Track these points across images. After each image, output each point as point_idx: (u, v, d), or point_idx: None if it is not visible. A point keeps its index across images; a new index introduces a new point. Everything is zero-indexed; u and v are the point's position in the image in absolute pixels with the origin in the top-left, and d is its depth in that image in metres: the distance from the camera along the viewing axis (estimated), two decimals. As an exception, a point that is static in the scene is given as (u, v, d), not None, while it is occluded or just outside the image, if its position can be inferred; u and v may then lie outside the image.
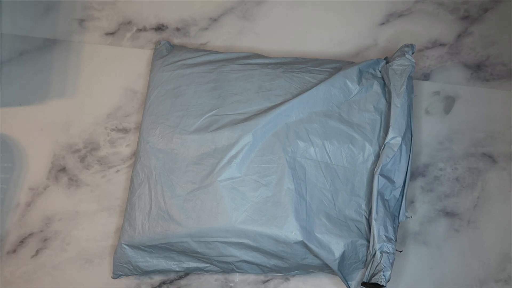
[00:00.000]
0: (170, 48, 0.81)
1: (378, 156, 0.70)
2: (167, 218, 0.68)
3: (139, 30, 0.86)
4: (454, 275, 0.75)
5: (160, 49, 0.80)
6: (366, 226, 0.69)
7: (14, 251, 0.77)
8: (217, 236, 0.67)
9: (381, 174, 0.68)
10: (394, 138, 0.68)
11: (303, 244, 0.66)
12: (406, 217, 0.71)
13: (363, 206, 0.69)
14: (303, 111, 0.71)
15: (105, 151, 0.80)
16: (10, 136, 0.81)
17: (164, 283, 0.75)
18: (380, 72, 0.75)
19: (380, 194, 0.68)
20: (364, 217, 0.69)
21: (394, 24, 0.85)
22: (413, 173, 0.78)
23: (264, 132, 0.69)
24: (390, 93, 0.71)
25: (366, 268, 0.67)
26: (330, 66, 0.76)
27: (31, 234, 0.77)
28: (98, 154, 0.80)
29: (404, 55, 0.72)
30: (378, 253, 0.65)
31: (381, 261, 0.65)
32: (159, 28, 0.86)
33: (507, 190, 0.78)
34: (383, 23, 0.86)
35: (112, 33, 0.86)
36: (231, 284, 0.75)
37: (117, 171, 0.80)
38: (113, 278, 0.72)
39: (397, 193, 0.70)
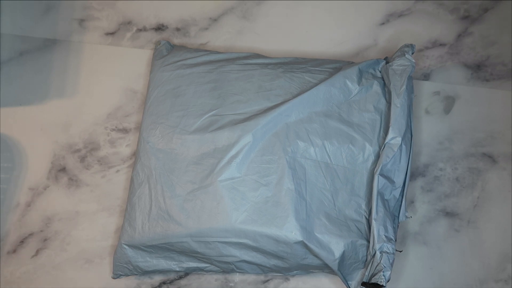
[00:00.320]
0: (170, 48, 0.81)
1: (378, 156, 0.70)
2: (167, 218, 0.68)
3: (139, 30, 0.86)
4: (454, 275, 0.75)
5: (160, 49, 0.80)
6: (366, 226, 0.69)
7: (14, 251, 0.77)
8: (217, 236, 0.67)
9: (381, 174, 0.68)
10: (394, 138, 0.68)
11: (303, 244, 0.66)
12: (406, 217, 0.71)
13: (363, 206, 0.69)
14: (303, 111, 0.71)
15: (105, 151, 0.80)
16: (10, 136, 0.81)
17: (164, 283, 0.75)
18: (380, 72, 0.75)
19: (380, 194, 0.68)
20: (364, 217, 0.69)
21: (394, 24, 0.85)
22: (413, 173, 0.78)
23: (264, 132, 0.69)
24: (390, 93, 0.71)
25: (366, 268, 0.67)
26: (330, 66, 0.76)
27: (31, 234, 0.77)
28: (98, 154, 0.80)
29: (404, 55, 0.72)
30: (378, 253, 0.65)
31: (381, 261, 0.65)
32: (159, 28, 0.86)
33: (507, 190, 0.78)
34: (383, 23, 0.86)
35: (112, 33, 0.86)
36: (231, 284, 0.75)
37: (117, 171, 0.80)
38: (113, 278, 0.72)
39: (397, 193, 0.70)
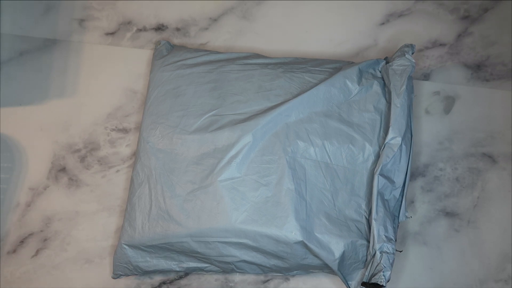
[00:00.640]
0: (170, 48, 0.81)
1: (378, 156, 0.70)
2: (167, 218, 0.68)
3: (139, 30, 0.86)
4: (454, 275, 0.75)
5: (160, 49, 0.80)
6: (366, 226, 0.69)
7: (14, 251, 0.77)
8: (217, 236, 0.67)
9: (381, 174, 0.68)
10: (394, 138, 0.68)
11: (303, 244, 0.66)
12: (406, 217, 0.71)
13: (363, 206, 0.69)
14: (303, 111, 0.71)
15: (105, 151, 0.80)
16: (10, 136, 0.81)
17: (164, 283, 0.75)
18: (380, 72, 0.75)
19: (380, 194, 0.68)
20: (364, 217, 0.69)
21: (394, 24, 0.85)
22: (413, 173, 0.78)
23: (264, 132, 0.69)
24: (390, 93, 0.71)
25: (366, 268, 0.67)
26: (330, 66, 0.76)
27: (31, 234, 0.77)
28: (98, 154, 0.80)
29: (404, 55, 0.72)
30: (378, 253, 0.65)
31: (381, 261, 0.65)
32: (159, 28, 0.86)
33: (507, 190, 0.78)
34: (383, 23, 0.86)
35: (112, 33, 0.86)
36: (231, 284, 0.75)
37: (117, 171, 0.80)
38: (113, 278, 0.72)
39: (397, 193, 0.70)
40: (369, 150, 0.70)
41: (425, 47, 0.84)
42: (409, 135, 0.71)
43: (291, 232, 0.65)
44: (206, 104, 0.73)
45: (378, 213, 0.67)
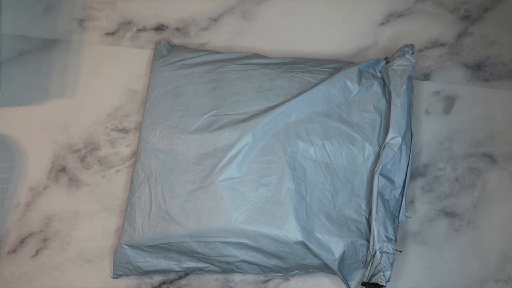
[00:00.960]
0: (170, 48, 0.80)
1: (378, 156, 0.70)
2: (167, 218, 0.68)
3: (139, 30, 0.86)
4: (454, 275, 0.75)
5: (160, 49, 0.80)
6: (366, 226, 0.69)
7: (14, 251, 0.77)
8: (217, 236, 0.67)
9: (381, 174, 0.68)
10: (394, 138, 0.68)
11: (303, 244, 0.66)
12: (406, 217, 0.71)
13: (363, 206, 0.69)
14: (303, 111, 0.71)
15: (105, 151, 0.80)
16: (10, 136, 0.81)
17: (164, 283, 0.75)
18: (380, 72, 0.75)
19: (380, 194, 0.68)
20: (364, 217, 0.69)
21: (394, 24, 0.85)
22: (413, 173, 0.78)
23: (264, 132, 0.69)
24: (390, 93, 0.71)
25: (366, 268, 0.67)
26: (330, 66, 0.76)
27: (31, 234, 0.77)
28: (98, 154, 0.80)
29: (404, 55, 0.72)
30: (378, 253, 0.65)
31: (381, 261, 0.65)
32: (159, 28, 0.86)
33: (507, 190, 0.78)
34: (383, 23, 0.86)
35: (112, 33, 0.86)
36: (231, 284, 0.75)
37: (117, 171, 0.80)
38: (113, 278, 0.72)
39: (397, 193, 0.70)
40: (369, 150, 0.70)
41: (425, 47, 0.84)
42: (409, 135, 0.71)
43: (291, 232, 0.65)
44: (206, 104, 0.73)
45: (378, 213, 0.67)
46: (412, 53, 0.73)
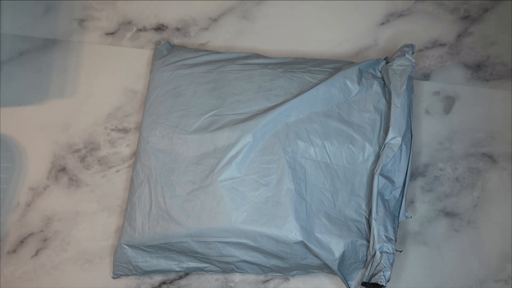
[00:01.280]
0: (170, 48, 0.81)
1: (378, 156, 0.70)
2: (167, 218, 0.68)
3: (139, 30, 0.86)
4: (454, 275, 0.75)
5: (160, 49, 0.80)
6: (366, 226, 0.69)
7: (14, 251, 0.77)
8: (217, 236, 0.67)
9: (381, 174, 0.68)
10: (394, 138, 0.68)
11: (303, 244, 0.66)
12: (406, 217, 0.71)
13: (363, 206, 0.69)
14: (303, 111, 0.71)
15: (105, 151, 0.80)
16: (10, 136, 0.81)
17: (164, 283, 0.75)
18: (380, 72, 0.75)
19: (380, 194, 0.68)
20: (364, 217, 0.69)
21: (394, 24, 0.85)
22: (413, 173, 0.78)
23: (264, 132, 0.69)
24: (390, 93, 0.71)
25: (366, 268, 0.67)
26: (330, 66, 0.76)
27: (31, 234, 0.77)
28: (98, 154, 0.80)
29: (404, 55, 0.72)
30: (378, 253, 0.65)
31: (381, 261, 0.65)
32: (159, 28, 0.86)
33: (507, 190, 0.78)
34: (383, 23, 0.86)
35: (112, 33, 0.86)
36: (231, 284, 0.75)
37: (117, 171, 0.80)
38: (113, 278, 0.72)
39: (397, 193, 0.70)
40: (369, 150, 0.70)
41: (425, 47, 0.84)
42: (409, 135, 0.71)
43: (291, 232, 0.65)
44: (206, 104, 0.73)
45: (378, 213, 0.67)
46: (412, 53, 0.73)
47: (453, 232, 0.76)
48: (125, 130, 0.81)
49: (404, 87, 0.70)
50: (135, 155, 0.74)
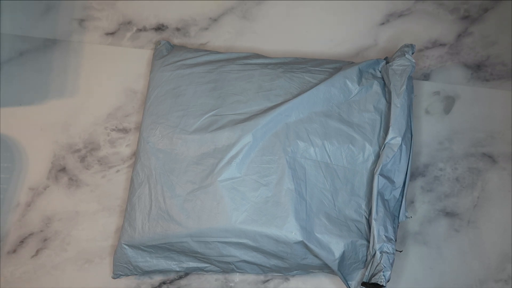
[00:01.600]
0: (170, 48, 0.81)
1: (378, 156, 0.70)
2: (167, 218, 0.68)
3: (139, 30, 0.86)
4: (454, 275, 0.75)
5: (160, 49, 0.80)
6: (366, 226, 0.69)
7: (14, 251, 0.77)
8: (217, 236, 0.67)
9: (381, 174, 0.68)
10: (394, 138, 0.68)
11: (303, 244, 0.66)
12: (406, 217, 0.71)
13: (363, 206, 0.69)
14: (303, 111, 0.71)
15: (105, 151, 0.80)
16: (10, 136, 0.81)
17: (164, 283, 0.75)
18: (380, 72, 0.75)
19: (380, 194, 0.68)
20: (364, 217, 0.69)
21: (394, 24, 0.85)
22: (413, 173, 0.78)
23: (264, 132, 0.69)
24: (390, 93, 0.71)
25: (366, 268, 0.67)
26: (330, 66, 0.76)
27: (31, 234, 0.77)
28: (98, 154, 0.80)
29: (404, 55, 0.72)
30: (378, 253, 0.65)
31: (381, 261, 0.65)
32: (159, 28, 0.86)
33: (507, 190, 0.78)
34: (383, 23, 0.86)
35: (112, 33, 0.86)
36: (231, 284, 0.75)
37: (117, 171, 0.80)
38: (113, 278, 0.72)
39: (397, 193, 0.70)
40: (369, 150, 0.70)
41: (425, 47, 0.84)
42: (409, 135, 0.71)
43: (291, 232, 0.65)
44: (206, 104, 0.73)
45: (378, 213, 0.67)
46: (412, 53, 0.73)
47: (453, 232, 0.76)
48: (125, 130, 0.81)
49: (404, 87, 0.70)
50: (135, 155, 0.74)
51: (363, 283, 0.66)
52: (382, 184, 0.68)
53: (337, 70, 0.75)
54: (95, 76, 0.84)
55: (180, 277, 0.75)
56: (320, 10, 0.86)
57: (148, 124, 0.73)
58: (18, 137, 0.81)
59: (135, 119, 0.82)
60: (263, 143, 0.69)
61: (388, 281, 0.64)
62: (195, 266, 0.71)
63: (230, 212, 0.66)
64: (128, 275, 0.73)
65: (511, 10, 0.85)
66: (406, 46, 0.74)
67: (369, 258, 0.67)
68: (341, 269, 0.68)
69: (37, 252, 0.77)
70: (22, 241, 0.77)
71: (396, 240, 0.67)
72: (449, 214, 0.77)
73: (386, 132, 0.69)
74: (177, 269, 0.71)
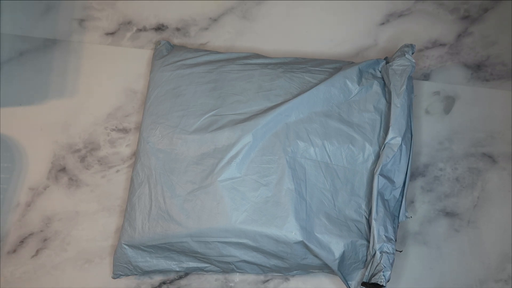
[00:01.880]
0: (170, 48, 0.81)
1: (378, 156, 0.70)
2: (167, 218, 0.68)
3: (139, 30, 0.86)
4: (454, 275, 0.75)
5: (160, 49, 0.80)
6: (366, 226, 0.69)
7: (14, 251, 0.77)
8: (217, 236, 0.67)
9: (381, 174, 0.68)
10: (394, 138, 0.68)
11: (303, 244, 0.66)
12: (406, 217, 0.71)
13: (363, 206, 0.69)
14: (303, 111, 0.71)
15: (105, 151, 0.80)
16: (10, 136, 0.81)
17: (164, 283, 0.75)
18: (380, 72, 0.75)
19: (380, 194, 0.68)
20: (364, 217, 0.69)
21: (394, 24, 0.85)
22: (413, 173, 0.78)
23: (264, 132, 0.69)
24: (390, 93, 0.71)
25: (366, 268, 0.67)
26: (330, 66, 0.76)
27: (31, 234, 0.77)
28: (98, 154, 0.80)
29: (404, 55, 0.72)
30: (378, 253, 0.65)
31: (381, 261, 0.65)
32: (159, 28, 0.86)
33: (507, 190, 0.78)
34: (383, 23, 0.86)
35: (112, 33, 0.86)
36: (231, 284, 0.75)
37: (117, 171, 0.80)
38: (113, 278, 0.72)
39: (397, 193, 0.70)
40: (369, 150, 0.70)
41: (425, 47, 0.84)
42: (409, 135, 0.71)
43: (291, 232, 0.65)
44: (206, 104, 0.73)
45: (378, 213, 0.67)
46: (412, 53, 0.73)
47: (453, 232, 0.76)
48: (125, 130, 0.81)
49: (404, 87, 0.70)
50: (135, 155, 0.74)
51: (363, 283, 0.66)
52: (382, 184, 0.68)
53: (337, 70, 0.75)
54: (95, 76, 0.84)
55: (180, 277, 0.75)
56: (320, 10, 0.86)
57: (148, 124, 0.73)
58: (18, 137, 0.81)
59: (135, 119, 0.82)
60: (263, 143, 0.69)
61: (388, 281, 0.64)
62: (195, 266, 0.71)
63: (230, 212, 0.66)
64: (128, 275, 0.73)
65: (511, 10, 0.85)
66: (406, 46, 0.74)
67: (369, 258, 0.67)
68: (341, 269, 0.68)
69: (37, 252, 0.77)
70: (22, 241, 0.77)
71: (396, 240, 0.67)
72: (449, 214, 0.77)
73: (386, 132, 0.69)
74: (177, 269, 0.71)
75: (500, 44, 0.84)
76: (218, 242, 0.67)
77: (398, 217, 0.70)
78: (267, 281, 0.75)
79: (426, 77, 0.83)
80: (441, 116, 0.81)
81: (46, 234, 0.77)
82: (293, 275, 0.74)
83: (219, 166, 0.68)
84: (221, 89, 0.74)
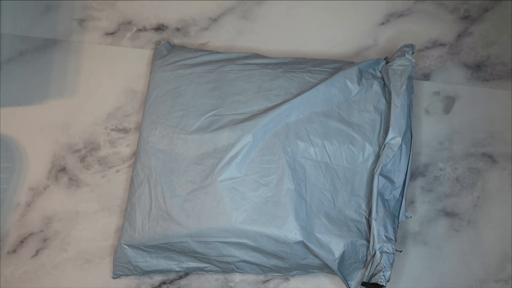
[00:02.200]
0: (170, 48, 0.81)
1: (378, 156, 0.70)
2: (167, 218, 0.68)
3: (139, 30, 0.86)
4: (454, 275, 0.75)
5: (160, 49, 0.80)
6: (366, 226, 0.69)
7: (14, 251, 0.77)
8: (217, 236, 0.67)
9: (381, 174, 0.68)
10: (394, 138, 0.68)
11: (303, 244, 0.66)
12: (406, 217, 0.71)
13: (363, 206, 0.69)
14: (303, 111, 0.71)
15: (105, 151, 0.80)
16: (10, 136, 0.81)
17: (164, 283, 0.75)
18: (380, 72, 0.75)
19: (380, 194, 0.68)
20: (364, 217, 0.69)
21: (394, 24, 0.85)
22: (413, 173, 0.78)
23: (264, 132, 0.69)
24: (390, 93, 0.71)
25: (366, 268, 0.67)
26: (330, 66, 0.76)
27: (31, 234, 0.77)
28: (98, 154, 0.80)
29: (404, 55, 0.72)
30: (378, 253, 0.65)
31: (381, 261, 0.65)
32: (159, 28, 0.86)
33: (507, 190, 0.78)
34: (383, 23, 0.86)
35: (112, 33, 0.86)
36: (231, 284, 0.75)
37: (117, 171, 0.80)
38: (113, 278, 0.72)
39: (397, 193, 0.70)
40: (369, 150, 0.70)
41: (425, 47, 0.84)
42: (409, 135, 0.71)
43: (291, 232, 0.65)
44: (206, 104, 0.73)
45: (378, 213, 0.67)
46: (412, 53, 0.73)
47: (453, 232, 0.76)
48: (125, 130, 0.81)
49: (404, 87, 0.70)
50: (135, 155, 0.74)
51: (363, 283, 0.66)
52: (382, 184, 0.68)
53: (337, 70, 0.75)
54: (95, 76, 0.84)
55: (180, 277, 0.75)
56: (320, 10, 0.86)
57: (148, 124, 0.73)
58: (18, 137, 0.81)
59: (135, 119, 0.82)
60: (263, 143, 0.69)
61: (388, 281, 0.64)
62: (195, 266, 0.71)
63: (230, 212, 0.66)
64: (128, 275, 0.73)
65: (511, 10, 0.85)
66: (406, 46, 0.74)
67: (369, 258, 0.67)
68: (341, 269, 0.68)
69: (37, 252, 0.77)
70: (22, 241, 0.77)
71: (396, 240, 0.67)
72: (449, 214, 0.77)
73: (386, 132, 0.69)
74: (177, 269, 0.71)
75: (500, 44, 0.84)
76: (218, 242, 0.67)
77: (398, 217, 0.70)
78: (267, 281, 0.75)
79: (426, 77, 0.83)
80: (441, 116, 0.81)
81: (46, 234, 0.77)
82: (293, 275, 0.74)
83: (219, 166, 0.68)
84: (221, 89, 0.74)
